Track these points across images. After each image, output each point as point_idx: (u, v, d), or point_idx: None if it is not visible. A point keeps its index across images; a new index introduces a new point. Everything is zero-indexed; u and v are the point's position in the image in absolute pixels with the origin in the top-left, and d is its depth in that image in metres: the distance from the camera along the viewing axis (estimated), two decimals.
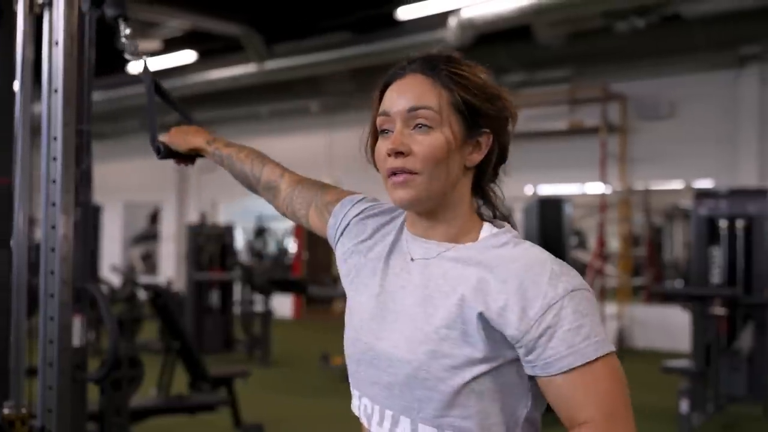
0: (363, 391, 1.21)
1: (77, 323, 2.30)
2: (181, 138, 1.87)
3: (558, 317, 1.06)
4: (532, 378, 1.12)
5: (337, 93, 12.14)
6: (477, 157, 1.18)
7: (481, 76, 1.18)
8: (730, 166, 9.51)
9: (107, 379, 2.79)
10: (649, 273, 12.09)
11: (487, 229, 1.20)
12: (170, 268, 15.13)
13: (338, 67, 10.49)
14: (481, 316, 1.09)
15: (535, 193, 10.78)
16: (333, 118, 12.85)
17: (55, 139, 2.22)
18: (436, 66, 1.16)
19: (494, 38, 9.03)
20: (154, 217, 16.72)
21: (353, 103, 12.15)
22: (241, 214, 15.37)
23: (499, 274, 1.10)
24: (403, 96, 1.16)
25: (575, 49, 9.81)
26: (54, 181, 2.22)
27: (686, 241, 14.48)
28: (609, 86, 10.31)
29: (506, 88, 1.22)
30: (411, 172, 1.13)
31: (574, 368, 1.06)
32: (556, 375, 1.07)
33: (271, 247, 16.19)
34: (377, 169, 1.22)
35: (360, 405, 1.23)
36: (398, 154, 1.14)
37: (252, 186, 1.67)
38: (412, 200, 1.15)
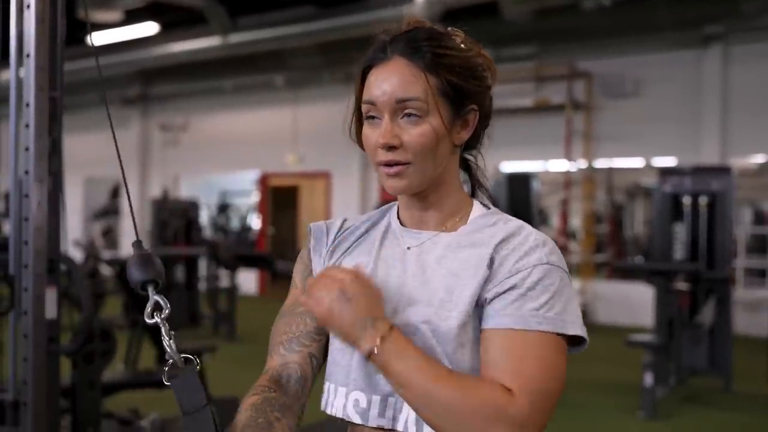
0: (354, 384, 1.16)
1: (51, 294, 2.26)
2: None
3: (522, 282, 1.08)
4: None
5: (302, 67, 12.03)
6: (465, 135, 1.19)
7: (463, 49, 1.17)
8: (692, 144, 9.65)
9: (80, 352, 2.74)
10: (611, 250, 12.26)
11: (477, 209, 1.22)
12: None
13: (303, 42, 10.38)
14: (474, 294, 1.11)
15: (497, 171, 10.83)
16: (298, 93, 12.73)
17: (27, 105, 2.16)
18: (419, 47, 1.14)
19: (461, 14, 9.00)
20: (115, 192, 16.48)
21: (319, 78, 12.06)
22: (203, 189, 15.21)
23: (489, 250, 1.13)
24: (388, 84, 1.13)
25: (542, 27, 9.83)
26: (27, 149, 2.16)
27: (647, 218, 14.71)
28: (575, 64, 10.37)
29: (483, 47, 1.21)
30: (404, 163, 1.14)
31: (508, 329, 1.07)
32: (492, 329, 1.08)
33: (234, 223, 16.08)
34: (362, 148, 1.21)
35: (347, 402, 1.16)
36: (390, 147, 1.13)
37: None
38: (405, 188, 1.16)
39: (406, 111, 1.13)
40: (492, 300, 1.10)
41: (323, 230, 1.30)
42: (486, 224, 1.18)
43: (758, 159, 10.21)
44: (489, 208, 1.23)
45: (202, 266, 9.42)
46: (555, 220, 13.97)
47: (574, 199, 11.20)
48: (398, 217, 1.26)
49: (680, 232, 6.74)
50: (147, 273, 1.16)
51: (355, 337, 1.06)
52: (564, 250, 10.58)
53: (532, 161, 11.12)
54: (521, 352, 1.06)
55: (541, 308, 1.07)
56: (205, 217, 14.41)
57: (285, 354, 1.22)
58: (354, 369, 1.16)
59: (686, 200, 6.70)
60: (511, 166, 10.94)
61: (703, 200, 6.64)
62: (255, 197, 15.04)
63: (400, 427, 1.13)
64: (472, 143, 1.25)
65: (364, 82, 1.18)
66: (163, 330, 1.13)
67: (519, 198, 5.80)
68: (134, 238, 1.23)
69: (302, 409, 1.20)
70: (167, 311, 1.14)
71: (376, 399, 1.14)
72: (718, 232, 6.59)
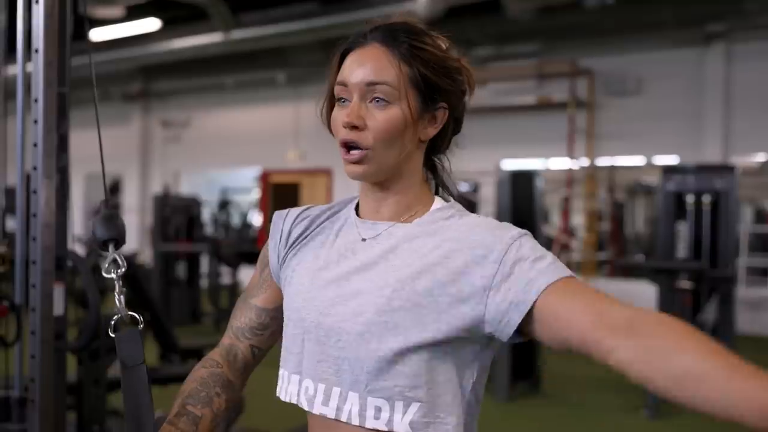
0: (305, 372, 1.18)
1: (58, 291, 2.24)
2: None
3: (520, 251, 1.08)
4: (480, 348, 1.13)
5: (304, 64, 12.01)
6: (432, 131, 1.19)
7: (442, 49, 1.18)
8: (694, 142, 9.65)
9: (86, 349, 2.73)
10: (612, 248, 12.25)
11: (437, 203, 1.22)
12: (133, 239, 14.93)
13: (306, 38, 10.36)
14: (433, 284, 1.10)
15: (498, 168, 10.82)
16: (300, 90, 12.72)
17: (35, 101, 2.14)
18: (397, 37, 1.15)
19: (464, 11, 8.99)
20: (115, 189, 16.47)
21: (321, 74, 12.01)
22: (204, 186, 15.20)
23: (449, 239, 1.13)
24: (362, 67, 1.15)
25: (544, 24, 9.82)
26: (35, 145, 2.14)
27: (647, 216, 14.70)
28: (577, 62, 10.36)
29: (467, 59, 1.21)
30: (364, 148, 1.14)
31: (549, 285, 1.05)
32: (539, 299, 1.05)
33: (235, 220, 16.08)
34: (332, 133, 1.22)
35: (300, 389, 1.19)
36: (353, 127, 1.14)
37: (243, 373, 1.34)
38: (363, 174, 1.17)
39: (375, 95, 1.14)
40: (504, 281, 1.07)
41: (282, 216, 1.32)
42: (442, 216, 1.18)
43: (760, 158, 10.21)
44: (448, 201, 1.24)
45: (204, 263, 9.40)
46: (556, 218, 13.96)
47: (576, 197, 11.20)
48: (357, 207, 1.26)
49: (683, 230, 6.72)
50: (110, 232, 1.24)
51: None
52: (566, 247, 10.57)
53: (534, 159, 11.11)
54: (581, 292, 1.05)
55: (553, 263, 1.08)
56: (206, 213, 14.42)
57: (233, 338, 1.32)
58: (306, 357, 1.18)
59: (689, 199, 6.69)
60: (512, 164, 10.94)
61: (706, 199, 6.62)
62: (256, 194, 15.03)
63: (344, 417, 1.13)
64: (441, 147, 1.25)
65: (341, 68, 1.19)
66: (116, 286, 1.20)
67: (523, 196, 5.78)
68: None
69: (241, 389, 1.31)
70: (123, 269, 1.21)
71: (322, 387, 1.16)
72: (721, 230, 6.58)
